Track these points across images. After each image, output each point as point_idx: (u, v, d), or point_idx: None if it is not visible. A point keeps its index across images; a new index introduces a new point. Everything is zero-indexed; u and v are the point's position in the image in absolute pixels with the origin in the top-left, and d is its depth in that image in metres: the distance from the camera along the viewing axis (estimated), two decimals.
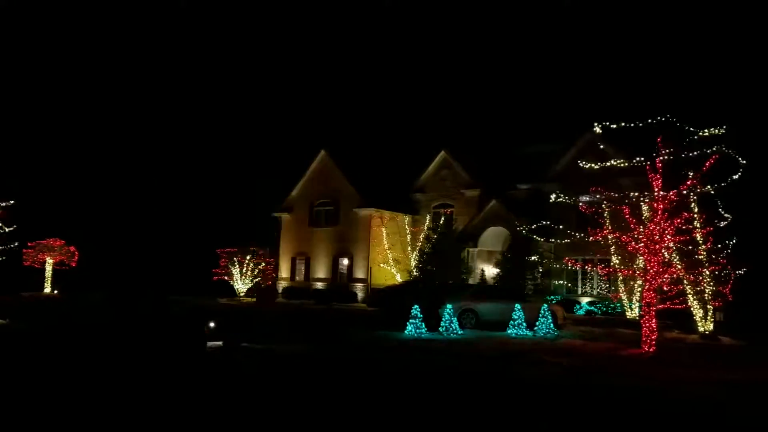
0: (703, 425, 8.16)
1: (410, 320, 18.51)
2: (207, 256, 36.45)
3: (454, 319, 19.10)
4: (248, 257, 34.50)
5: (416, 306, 18.73)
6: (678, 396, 9.95)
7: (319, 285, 35.33)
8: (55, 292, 34.60)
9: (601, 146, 24.20)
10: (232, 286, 34.94)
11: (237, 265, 34.50)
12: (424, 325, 18.47)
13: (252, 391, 9.64)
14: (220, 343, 14.63)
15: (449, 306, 19.33)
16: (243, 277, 34.64)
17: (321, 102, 78.26)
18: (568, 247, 24.36)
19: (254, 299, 32.61)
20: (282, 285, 36.72)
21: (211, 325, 15.07)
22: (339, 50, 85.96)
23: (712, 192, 15.18)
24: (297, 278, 36.74)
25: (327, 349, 15.19)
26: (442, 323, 18.78)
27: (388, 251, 33.33)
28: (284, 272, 36.90)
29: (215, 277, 34.98)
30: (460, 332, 19.08)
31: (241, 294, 34.50)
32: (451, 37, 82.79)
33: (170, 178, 52.80)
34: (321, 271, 35.81)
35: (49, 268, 35.01)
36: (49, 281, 35.05)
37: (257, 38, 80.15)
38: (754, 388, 10.68)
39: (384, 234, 33.40)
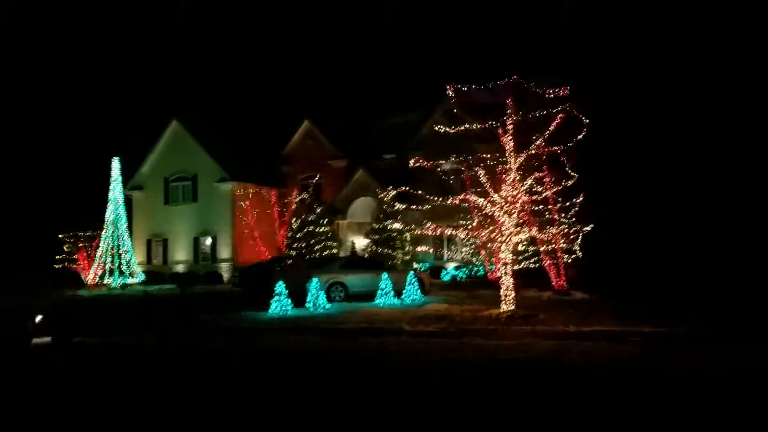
0: (544, 372, 8.61)
1: (274, 298, 17.64)
2: (49, 243, 32.68)
3: (322, 294, 18.50)
4: (100, 241, 31.23)
5: (280, 282, 17.87)
6: (527, 349, 10.33)
7: (180, 268, 33.14)
8: None
9: (457, 112, 24.52)
10: (79, 275, 31.55)
11: (85, 250, 31.22)
12: (290, 302, 17.70)
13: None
14: (48, 339, 12.96)
15: (316, 280, 18.69)
16: (92, 264, 31.29)
17: (175, 70, 73.39)
18: (433, 214, 24.58)
19: (104, 287, 29.60)
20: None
21: (38, 319, 13.28)
22: (197, 16, 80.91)
23: (560, 152, 15.70)
24: (154, 262, 34.15)
25: (175, 337, 13.89)
26: (309, 298, 18.13)
27: (255, 228, 31.86)
28: (139, 256, 33.98)
29: (61, 265, 31.46)
30: (327, 306, 18.52)
31: (93, 283, 31.19)
32: (313, 8, 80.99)
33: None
34: (181, 253, 33.57)
35: None
36: None
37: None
38: (589, 337, 11.33)
39: (249, 209, 31.86)
